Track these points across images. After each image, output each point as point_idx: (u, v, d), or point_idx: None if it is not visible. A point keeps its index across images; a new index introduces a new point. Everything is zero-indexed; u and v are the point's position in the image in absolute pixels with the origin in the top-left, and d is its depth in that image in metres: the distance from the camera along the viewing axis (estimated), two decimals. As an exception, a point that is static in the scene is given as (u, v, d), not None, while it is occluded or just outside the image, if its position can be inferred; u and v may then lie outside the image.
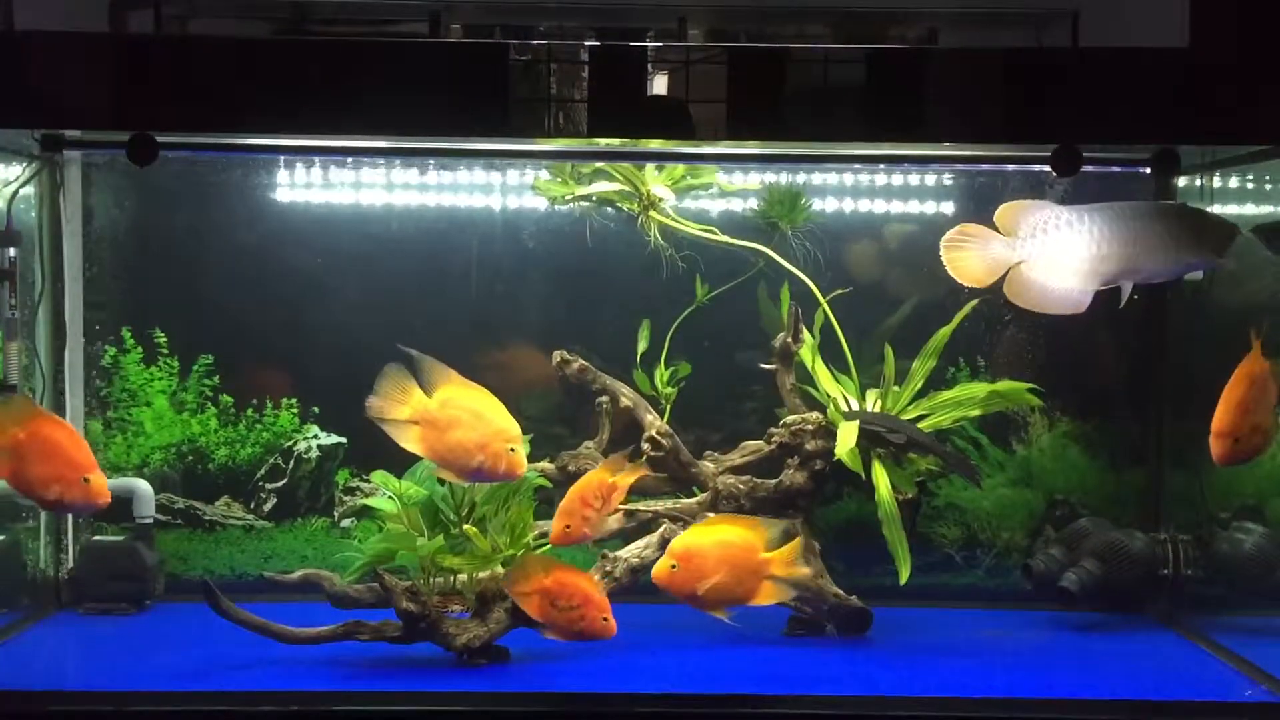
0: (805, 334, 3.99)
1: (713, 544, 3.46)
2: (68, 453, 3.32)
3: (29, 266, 3.99)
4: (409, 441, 3.34)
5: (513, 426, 3.33)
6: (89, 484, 3.31)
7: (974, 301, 3.95)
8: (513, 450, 3.31)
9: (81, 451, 3.34)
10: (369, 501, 3.93)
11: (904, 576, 3.77)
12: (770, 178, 4.12)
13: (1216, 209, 3.96)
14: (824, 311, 3.98)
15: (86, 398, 4.20)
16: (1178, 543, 4.09)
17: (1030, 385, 3.98)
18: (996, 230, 3.52)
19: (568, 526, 3.52)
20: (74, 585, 4.11)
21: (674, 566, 3.43)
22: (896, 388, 3.96)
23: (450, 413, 3.31)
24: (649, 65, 3.47)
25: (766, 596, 3.48)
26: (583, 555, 4.08)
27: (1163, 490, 4.24)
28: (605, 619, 3.41)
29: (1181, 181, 4.09)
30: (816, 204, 4.12)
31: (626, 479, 3.62)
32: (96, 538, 4.14)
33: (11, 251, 3.84)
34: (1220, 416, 3.30)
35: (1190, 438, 4.11)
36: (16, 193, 3.87)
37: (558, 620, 3.42)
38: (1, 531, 3.99)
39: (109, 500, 3.36)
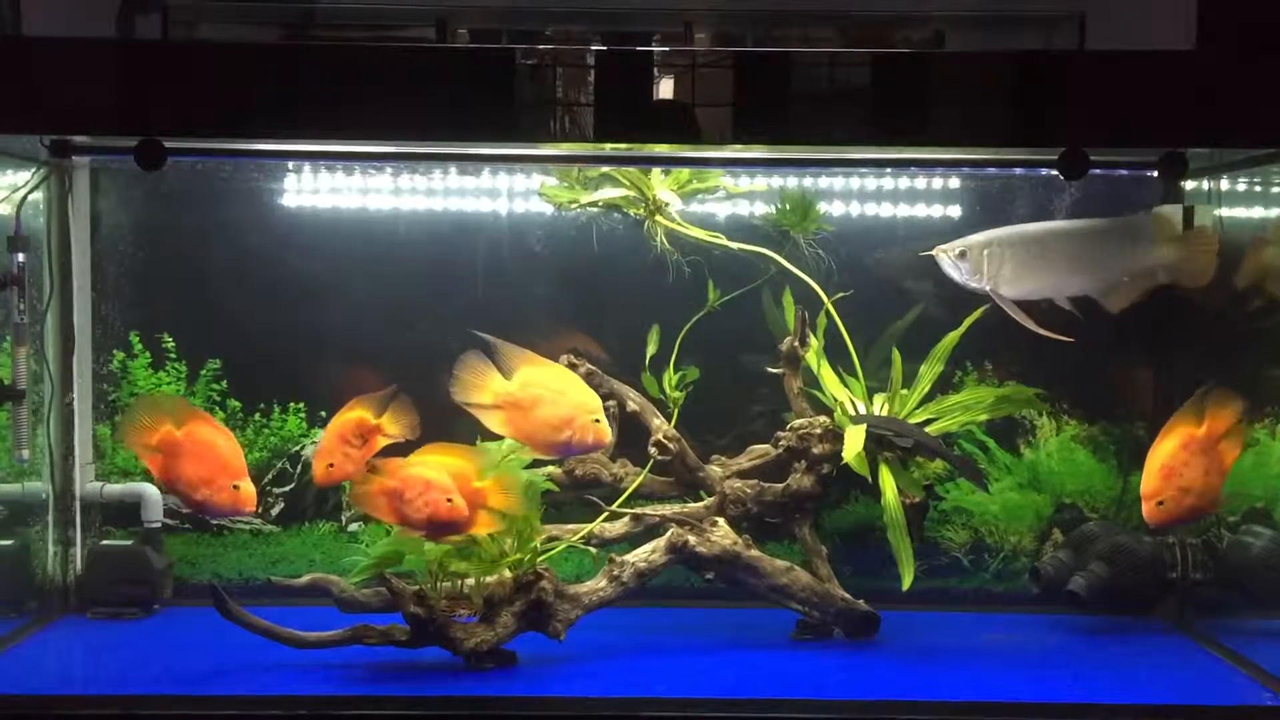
0: (811, 338, 3.98)
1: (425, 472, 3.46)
2: (222, 457, 3.41)
3: (37, 271, 4.00)
4: (495, 425, 3.45)
5: (593, 398, 3.45)
6: (238, 490, 3.40)
7: (985, 307, 3.94)
8: (597, 421, 3.42)
9: (236, 457, 3.44)
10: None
11: (907, 582, 3.77)
12: (777, 182, 4.12)
13: (1225, 212, 3.96)
14: (831, 315, 3.97)
15: (95, 402, 4.21)
16: (1186, 546, 4.08)
17: (1038, 390, 3.98)
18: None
19: (330, 465, 3.61)
20: (82, 589, 4.12)
21: (236, 487, 3.45)
22: (904, 391, 3.96)
23: (532, 392, 3.42)
24: (655, 69, 3.46)
25: (482, 525, 3.48)
26: (588, 559, 4.10)
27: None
28: (449, 499, 3.41)
29: (1189, 184, 4.07)
30: (822, 207, 4.12)
31: (389, 424, 3.65)
32: (104, 542, 4.15)
33: (20, 257, 3.85)
34: (1145, 478, 3.35)
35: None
36: (25, 198, 3.88)
37: (407, 514, 3.43)
38: (10, 536, 3.99)
39: (254, 509, 3.48)
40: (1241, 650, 3.78)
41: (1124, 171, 3.90)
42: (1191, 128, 3.43)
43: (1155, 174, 3.83)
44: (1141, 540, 4.05)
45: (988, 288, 3.76)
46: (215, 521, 4.26)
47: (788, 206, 4.06)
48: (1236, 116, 3.40)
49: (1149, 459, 3.42)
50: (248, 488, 3.44)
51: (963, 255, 3.76)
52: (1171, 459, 3.35)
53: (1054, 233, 3.79)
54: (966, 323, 3.94)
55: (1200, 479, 3.27)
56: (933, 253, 3.80)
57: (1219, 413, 3.40)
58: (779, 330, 4.05)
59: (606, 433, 3.45)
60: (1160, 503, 3.29)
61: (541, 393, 3.43)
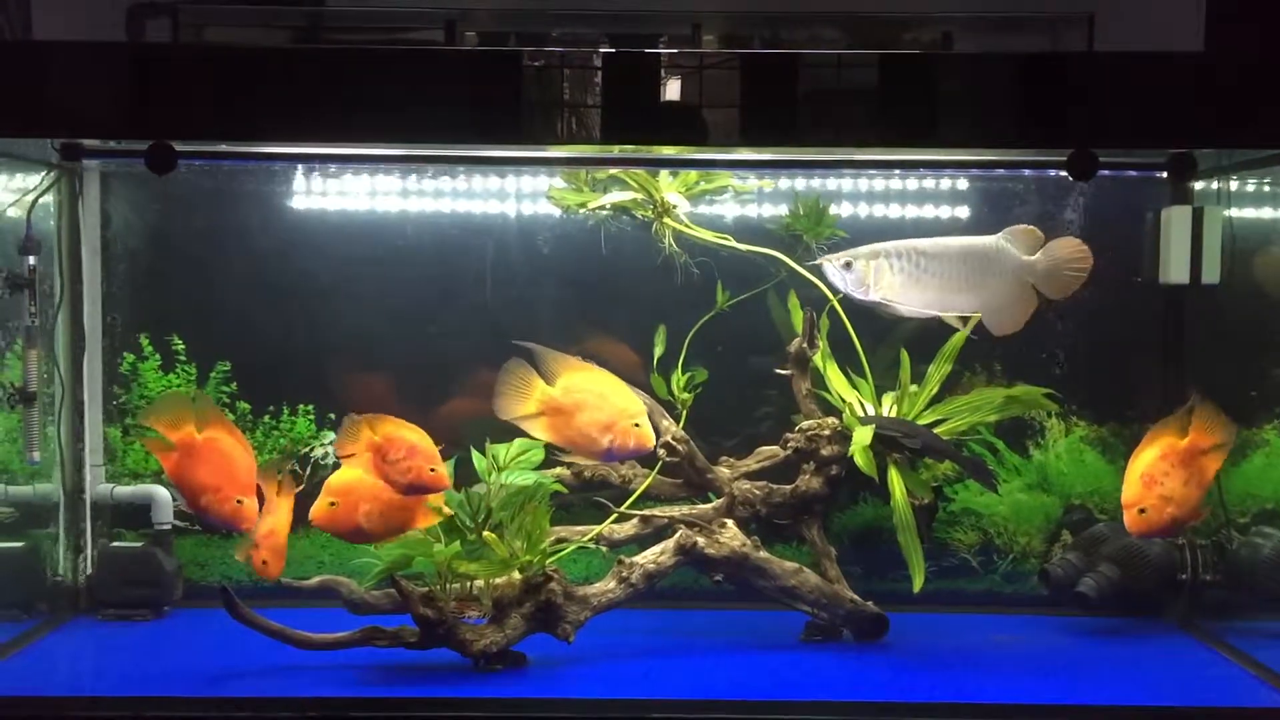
0: (820, 340, 3.98)
1: (367, 477, 3.48)
2: (235, 469, 3.41)
3: (48, 275, 4.01)
4: (539, 431, 3.49)
5: (635, 403, 3.46)
6: (241, 506, 3.40)
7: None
8: (638, 425, 3.43)
9: (248, 473, 3.44)
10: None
11: (917, 584, 3.77)
12: (784, 183, 4.12)
13: (1234, 212, 3.96)
14: (840, 317, 3.97)
15: (105, 404, 4.22)
16: (1195, 547, 4.07)
17: (1047, 390, 3.97)
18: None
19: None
20: (93, 591, 4.13)
21: (333, 504, 3.48)
22: (915, 387, 3.95)
23: (574, 398, 3.46)
24: (663, 71, 3.47)
25: (424, 519, 3.51)
26: (598, 561, 4.10)
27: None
28: (433, 469, 3.42)
29: (1198, 185, 4.07)
30: (830, 208, 4.11)
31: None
32: (115, 544, 4.16)
33: (31, 260, 3.87)
34: (1126, 486, 3.37)
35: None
36: (36, 201, 3.89)
37: (388, 473, 3.43)
38: (21, 538, 4.01)
39: (251, 526, 3.46)
40: (1251, 651, 3.77)
41: (1133, 172, 3.90)
42: (1200, 129, 3.42)
43: (1164, 175, 3.83)
44: (1151, 542, 4.04)
45: (874, 299, 3.75)
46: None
47: (801, 212, 4.05)
48: (1245, 117, 3.39)
49: (1130, 467, 3.42)
50: (250, 505, 3.43)
51: (848, 266, 3.75)
52: (1152, 468, 3.37)
53: (939, 247, 3.77)
54: (972, 321, 3.94)
55: (1180, 490, 3.29)
56: (818, 263, 3.78)
57: (1204, 427, 3.41)
58: (787, 332, 4.05)
59: (649, 437, 3.45)
60: (1142, 510, 3.31)
61: (584, 397, 3.46)
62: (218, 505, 3.41)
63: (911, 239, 3.82)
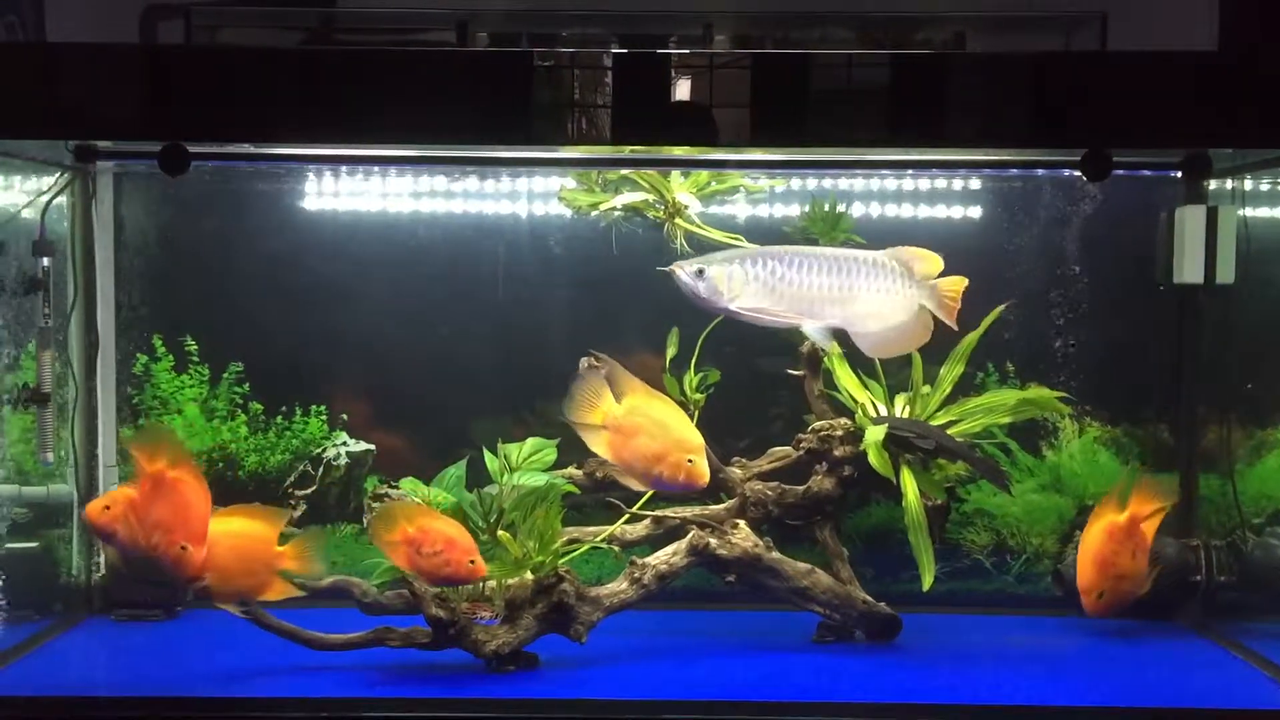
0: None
1: (224, 534, 3.42)
2: (187, 516, 3.35)
3: (62, 276, 4.03)
4: (598, 446, 3.45)
5: (694, 438, 3.40)
6: (184, 552, 3.33)
7: (1001, 306, 3.93)
8: (691, 462, 3.37)
9: (200, 521, 3.35)
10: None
11: (927, 583, 3.75)
12: (796, 183, 4.11)
13: (1248, 212, 3.94)
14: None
15: (119, 404, 4.23)
16: (1210, 549, 4.05)
17: (1061, 394, 3.96)
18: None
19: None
20: (106, 592, 4.14)
21: (184, 548, 3.38)
22: (927, 388, 3.94)
23: (635, 420, 3.41)
24: (673, 71, 3.47)
25: (276, 592, 3.44)
26: (610, 562, 4.09)
27: (1195, 496, 4.20)
28: (471, 561, 3.40)
29: (1213, 185, 4.05)
30: (841, 207, 4.10)
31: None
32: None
33: (45, 261, 3.88)
34: (1080, 572, 3.34)
35: (1222, 442, 4.10)
36: (50, 203, 3.90)
37: (424, 567, 3.41)
38: (34, 538, 4.02)
39: (190, 576, 3.36)
40: (1266, 653, 3.75)
41: (1147, 172, 3.88)
42: (1214, 128, 3.40)
43: (1179, 174, 3.82)
44: (1165, 543, 4.02)
45: (729, 308, 3.67)
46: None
47: (817, 214, 4.04)
48: (1259, 116, 3.38)
49: (1081, 552, 3.39)
50: (194, 554, 3.35)
51: (701, 274, 3.66)
52: (1101, 549, 3.37)
53: (803, 256, 3.69)
54: (986, 322, 3.93)
55: (1130, 564, 3.34)
56: (670, 269, 3.69)
57: (1142, 499, 3.41)
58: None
59: (702, 474, 3.39)
60: (1100, 595, 3.30)
61: (643, 422, 3.41)
62: (164, 549, 3.33)
63: (776, 246, 3.75)
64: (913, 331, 3.71)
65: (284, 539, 3.47)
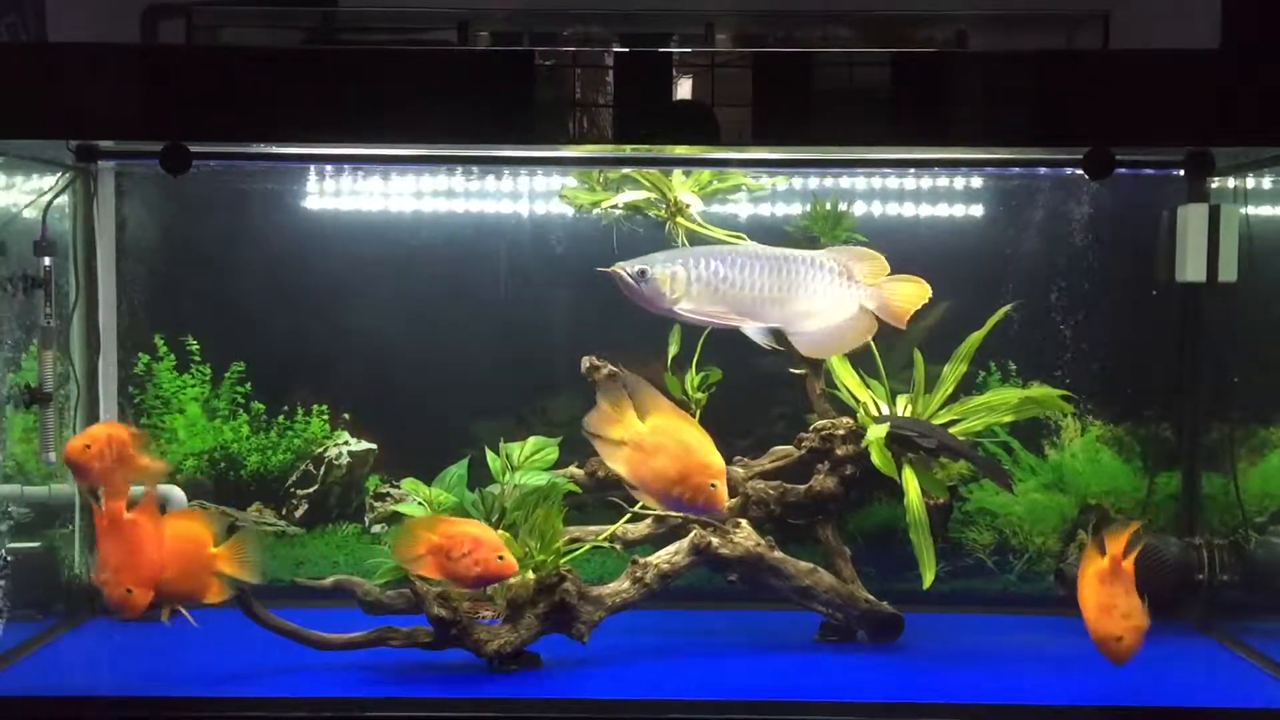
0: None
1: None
2: (140, 557, 3.29)
3: (63, 275, 4.03)
4: (615, 462, 3.39)
5: (717, 462, 3.35)
6: (130, 595, 3.28)
7: (1006, 307, 3.93)
8: (713, 486, 3.32)
9: (149, 566, 3.30)
10: (399, 507, 3.94)
11: (927, 581, 3.75)
12: (798, 182, 4.11)
13: (1251, 210, 3.93)
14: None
15: (120, 404, 4.23)
16: (1213, 548, 4.05)
17: (1063, 392, 3.95)
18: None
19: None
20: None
21: (129, 592, 3.31)
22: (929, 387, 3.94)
23: (658, 440, 3.35)
24: (675, 70, 3.46)
25: (214, 594, 3.42)
26: (611, 561, 4.09)
27: (1197, 494, 4.20)
28: (500, 556, 3.38)
29: (1215, 183, 4.05)
30: (843, 206, 4.10)
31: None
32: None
33: (46, 261, 3.88)
34: (1096, 626, 3.32)
35: (1225, 441, 4.09)
36: (51, 203, 3.90)
37: (455, 571, 3.39)
38: (37, 538, 4.02)
39: (134, 616, 3.31)
40: (1269, 652, 3.75)
41: (1149, 170, 3.88)
42: (1217, 126, 3.40)
43: (1181, 173, 3.81)
44: (1168, 542, 4.02)
45: (672, 310, 3.65)
46: (240, 524, 4.28)
47: (819, 213, 4.04)
48: (1262, 114, 3.37)
49: (1086, 610, 3.35)
50: (139, 598, 3.29)
51: (643, 275, 3.64)
52: (1100, 598, 3.35)
53: (746, 257, 3.68)
54: (990, 322, 3.93)
55: (1128, 601, 3.32)
56: (610, 270, 3.66)
57: (1115, 539, 3.42)
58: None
59: (722, 500, 3.34)
60: (1119, 639, 3.30)
61: (666, 443, 3.34)
62: (110, 590, 3.29)
63: (718, 246, 3.74)
64: (851, 332, 3.69)
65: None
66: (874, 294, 3.68)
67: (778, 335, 3.72)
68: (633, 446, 3.35)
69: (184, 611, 3.45)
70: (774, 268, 3.67)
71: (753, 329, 3.67)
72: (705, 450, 3.35)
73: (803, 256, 3.70)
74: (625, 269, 3.66)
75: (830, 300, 3.68)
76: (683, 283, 3.63)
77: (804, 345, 3.72)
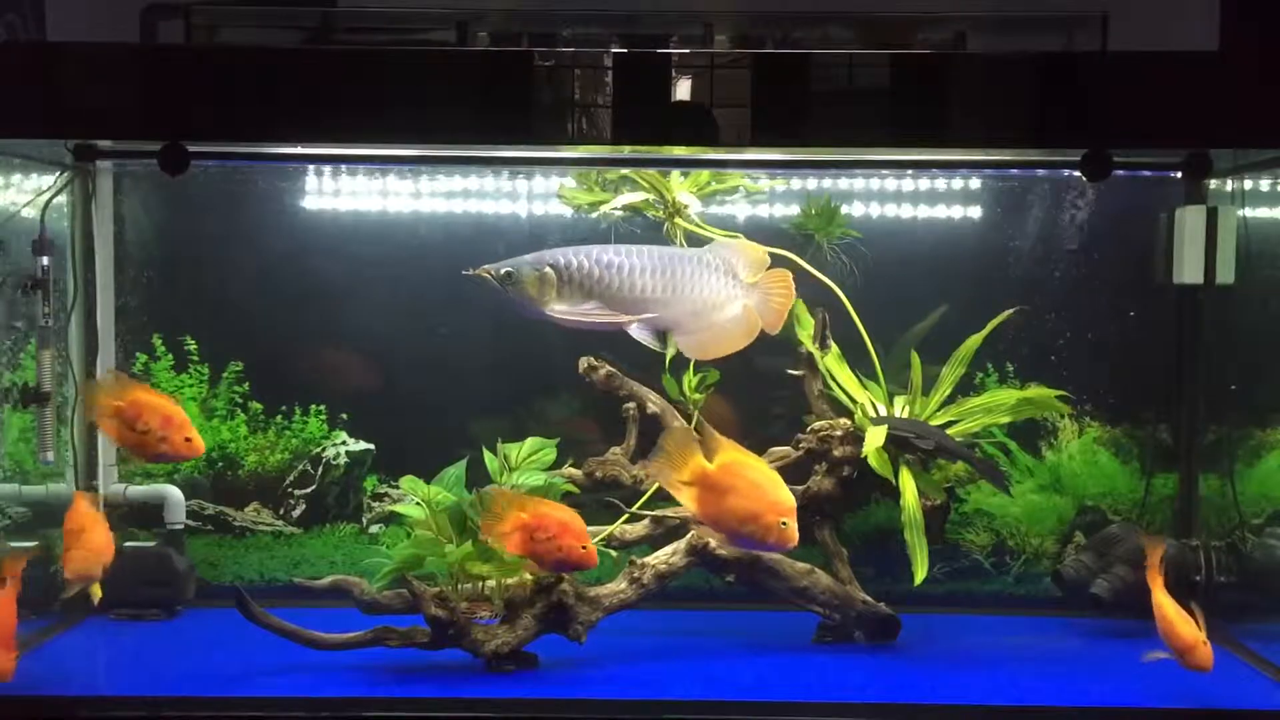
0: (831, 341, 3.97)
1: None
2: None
3: (62, 275, 4.03)
4: (685, 500, 3.38)
5: (787, 499, 3.34)
6: None
7: (1008, 311, 3.93)
8: (784, 524, 3.31)
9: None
10: (397, 508, 3.94)
11: (919, 577, 3.74)
12: (796, 183, 4.11)
13: (1248, 212, 3.94)
14: (850, 317, 3.96)
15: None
16: (1210, 549, 4.05)
17: (1060, 392, 3.96)
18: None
19: None
20: (105, 591, 4.13)
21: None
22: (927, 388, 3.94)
23: (728, 480, 3.33)
24: (674, 71, 3.46)
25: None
26: (610, 562, 4.09)
27: (1195, 496, 4.20)
28: (584, 547, 3.41)
29: (1213, 185, 4.05)
30: (842, 209, 4.10)
31: None
32: (128, 544, 4.17)
33: (45, 260, 3.88)
34: (1182, 634, 3.35)
35: (1222, 443, 4.09)
36: (49, 202, 3.90)
37: (537, 552, 3.41)
38: (34, 537, 4.02)
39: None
40: (1266, 654, 3.75)
41: (1147, 172, 3.88)
42: (1215, 129, 3.40)
43: (1179, 175, 3.82)
44: (1165, 543, 4.01)
45: (545, 313, 3.58)
46: (238, 524, 4.29)
47: (813, 211, 4.04)
48: (1260, 116, 3.37)
49: (1165, 624, 3.39)
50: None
51: (509, 277, 3.56)
52: (1173, 608, 3.41)
53: (618, 257, 3.61)
54: (990, 325, 3.93)
55: (1176, 606, 3.40)
56: (476, 273, 3.59)
57: (1153, 553, 3.52)
58: (801, 332, 4.04)
59: (793, 537, 3.33)
60: (1205, 642, 3.35)
61: (737, 483, 3.33)
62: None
63: (594, 245, 3.66)
64: (736, 331, 3.65)
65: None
66: (755, 290, 3.64)
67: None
68: (701, 486, 3.35)
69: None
70: (652, 266, 3.60)
71: (638, 330, 3.60)
72: (775, 488, 3.34)
73: (686, 254, 3.66)
74: (490, 271, 3.58)
75: (714, 298, 3.62)
76: (552, 284, 3.56)
77: (688, 346, 3.66)
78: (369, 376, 4.25)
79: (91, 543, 3.45)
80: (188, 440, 3.40)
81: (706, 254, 3.66)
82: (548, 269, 3.58)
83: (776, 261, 3.92)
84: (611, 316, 3.58)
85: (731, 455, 3.36)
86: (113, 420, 3.40)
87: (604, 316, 3.58)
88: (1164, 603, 3.43)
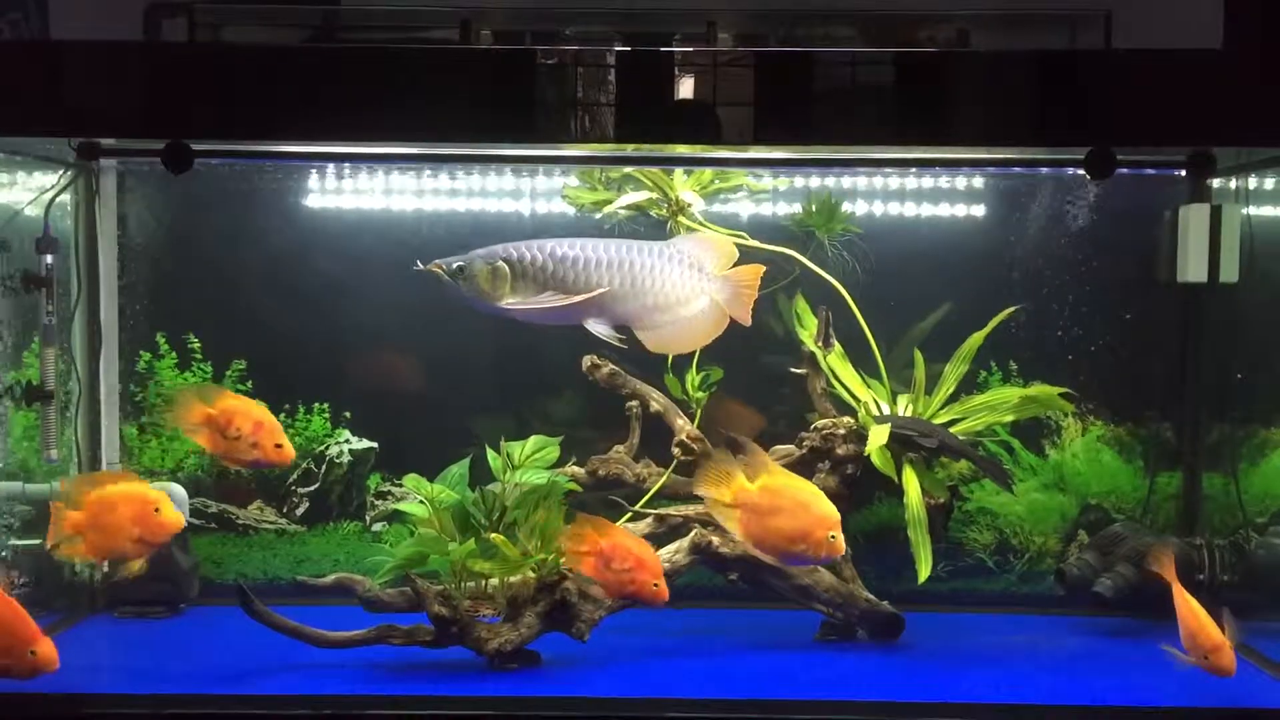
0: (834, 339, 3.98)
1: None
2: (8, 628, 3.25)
3: (65, 273, 4.03)
4: (729, 523, 3.39)
5: (832, 513, 3.36)
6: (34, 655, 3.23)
7: (1010, 309, 3.93)
8: (833, 537, 3.33)
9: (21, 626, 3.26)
10: (400, 506, 3.95)
11: (923, 575, 3.74)
12: (800, 181, 4.11)
13: (1252, 210, 3.93)
14: (854, 315, 3.96)
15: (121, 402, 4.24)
16: (1213, 548, 4.05)
17: (1063, 389, 3.95)
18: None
19: None
20: (110, 589, 4.14)
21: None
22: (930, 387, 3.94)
23: (772, 500, 3.35)
24: (677, 69, 3.46)
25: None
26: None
27: (1198, 495, 4.20)
28: (655, 584, 3.41)
29: (1216, 183, 4.05)
30: (846, 207, 4.10)
31: None
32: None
33: (49, 259, 3.88)
34: (1209, 635, 3.34)
35: (1226, 441, 4.09)
36: (53, 200, 3.91)
37: (610, 580, 3.43)
38: (38, 535, 4.02)
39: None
40: (1268, 652, 3.75)
41: (1151, 170, 3.88)
42: (1219, 126, 3.40)
43: (1183, 173, 3.81)
44: (1168, 542, 4.01)
45: (499, 308, 3.52)
46: (241, 522, 4.29)
47: (814, 208, 4.04)
48: (1264, 114, 3.37)
49: (1195, 626, 3.36)
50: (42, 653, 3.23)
51: (461, 271, 3.51)
52: (1197, 610, 3.40)
53: (575, 250, 3.55)
54: (993, 323, 3.93)
55: (1197, 609, 3.40)
56: (428, 268, 3.54)
57: (1168, 557, 3.53)
58: (803, 331, 4.04)
59: (842, 548, 3.35)
60: (1230, 644, 3.36)
61: (782, 502, 3.35)
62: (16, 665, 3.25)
63: (553, 239, 3.60)
64: (702, 326, 3.62)
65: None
66: (722, 284, 3.62)
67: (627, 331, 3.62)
68: (745, 509, 3.36)
69: None
70: (612, 260, 3.55)
71: (595, 326, 3.56)
72: (819, 503, 3.36)
73: (649, 247, 3.62)
74: (442, 266, 3.53)
75: (680, 293, 3.59)
76: (506, 278, 3.51)
77: (652, 342, 3.63)
78: (400, 377, 4.24)
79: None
80: (278, 446, 3.42)
81: (669, 247, 3.63)
82: (500, 263, 3.53)
83: (778, 259, 3.94)
84: (572, 313, 3.52)
85: (773, 476, 3.39)
86: (203, 428, 3.43)
87: (563, 312, 3.51)
88: (1188, 604, 3.40)
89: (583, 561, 3.45)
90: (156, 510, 3.39)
